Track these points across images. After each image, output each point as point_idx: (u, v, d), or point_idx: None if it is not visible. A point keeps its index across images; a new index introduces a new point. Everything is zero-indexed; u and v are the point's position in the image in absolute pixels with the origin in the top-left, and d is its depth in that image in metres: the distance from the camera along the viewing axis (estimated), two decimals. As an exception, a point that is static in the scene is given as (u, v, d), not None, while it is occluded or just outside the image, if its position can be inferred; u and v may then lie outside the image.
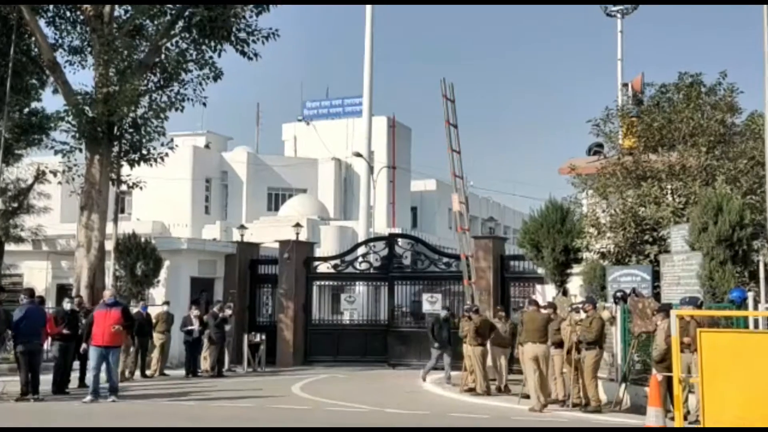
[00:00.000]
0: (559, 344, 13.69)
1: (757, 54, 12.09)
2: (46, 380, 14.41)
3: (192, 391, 15.50)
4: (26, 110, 21.15)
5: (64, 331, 14.81)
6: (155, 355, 18.53)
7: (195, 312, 18.88)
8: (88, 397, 13.34)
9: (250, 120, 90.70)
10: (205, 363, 18.74)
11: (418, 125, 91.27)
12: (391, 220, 40.11)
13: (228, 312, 19.50)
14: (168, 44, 20.29)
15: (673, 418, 9.98)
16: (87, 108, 18.88)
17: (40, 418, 12.18)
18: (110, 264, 20.12)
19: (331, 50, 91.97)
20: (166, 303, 19.22)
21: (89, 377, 13.86)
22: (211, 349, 18.62)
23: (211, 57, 20.11)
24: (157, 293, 20.78)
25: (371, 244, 23.44)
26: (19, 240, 23.13)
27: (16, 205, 23.11)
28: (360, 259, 22.79)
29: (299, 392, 15.65)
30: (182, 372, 18.58)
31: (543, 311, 14.09)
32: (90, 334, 13.80)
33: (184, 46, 20.24)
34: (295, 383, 16.96)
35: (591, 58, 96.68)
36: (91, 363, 13.67)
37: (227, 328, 19.27)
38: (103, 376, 13.61)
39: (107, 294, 14.44)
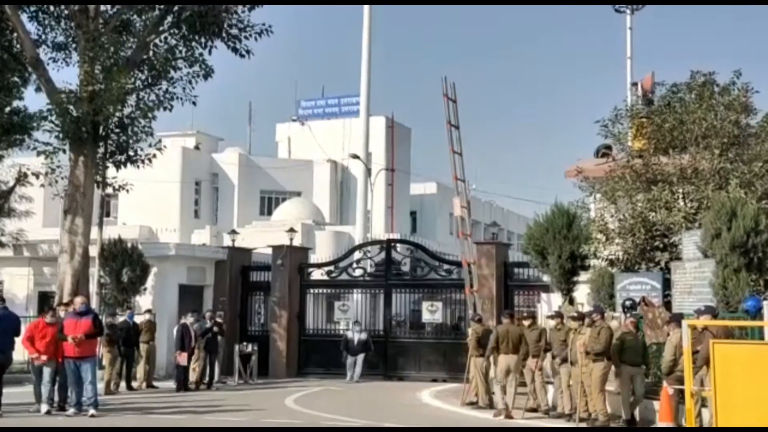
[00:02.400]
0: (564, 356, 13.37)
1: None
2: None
3: (181, 405, 15.12)
4: (7, 109, 20.74)
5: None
6: (141, 366, 18.09)
7: (190, 319, 18.18)
8: (71, 410, 13.12)
9: (242, 120, 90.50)
10: (193, 374, 18.19)
11: (418, 125, 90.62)
12: (389, 224, 39.54)
13: (218, 321, 18.95)
14: (156, 41, 19.98)
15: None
16: (71, 107, 18.51)
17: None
18: (95, 270, 19.89)
19: (327, 46, 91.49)
20: (148, 311, 18.88)
21: (71, 392, 13.38)
22: (199, 360, 18.08)
23: (201, 54, 19.76)
24: (144, 301, 20.45)
25: (366, 249, 22.81)
26: (0, 245, 22.62)
27: (-4, 208, 22.67)
28: (355, 265, 22.15)
29: (293, 405, 15.33)
30: (171, 384, 18.15)
31: (516, 323, 14.31)
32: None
33: (173, 42, 19.92)
34: (289, 396, 16.64)
35: (599, 56, 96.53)
36: (68, 377, 13.24)
37: (218, 338, 18.73)
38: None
39: (78, 302, 13.95)
